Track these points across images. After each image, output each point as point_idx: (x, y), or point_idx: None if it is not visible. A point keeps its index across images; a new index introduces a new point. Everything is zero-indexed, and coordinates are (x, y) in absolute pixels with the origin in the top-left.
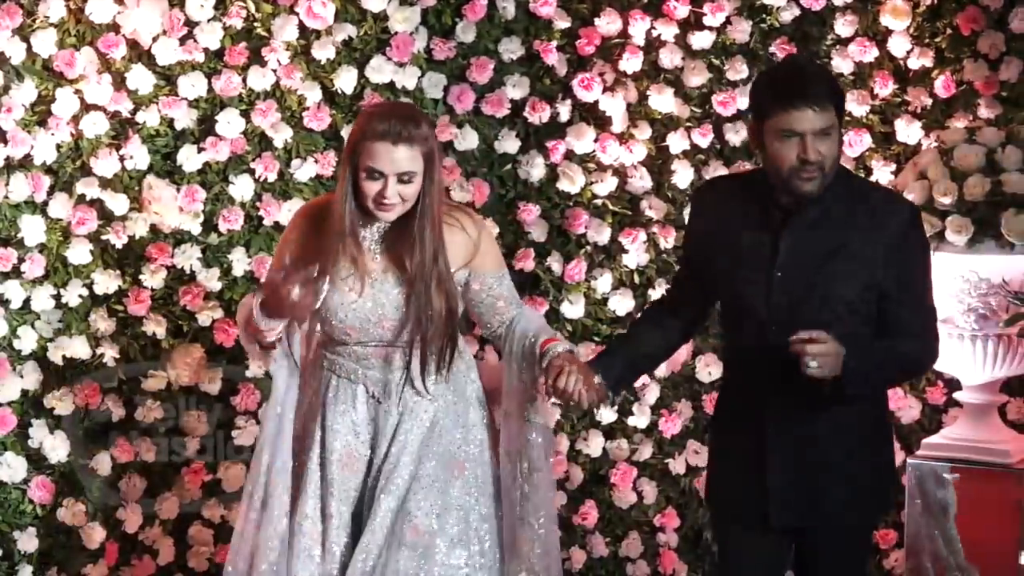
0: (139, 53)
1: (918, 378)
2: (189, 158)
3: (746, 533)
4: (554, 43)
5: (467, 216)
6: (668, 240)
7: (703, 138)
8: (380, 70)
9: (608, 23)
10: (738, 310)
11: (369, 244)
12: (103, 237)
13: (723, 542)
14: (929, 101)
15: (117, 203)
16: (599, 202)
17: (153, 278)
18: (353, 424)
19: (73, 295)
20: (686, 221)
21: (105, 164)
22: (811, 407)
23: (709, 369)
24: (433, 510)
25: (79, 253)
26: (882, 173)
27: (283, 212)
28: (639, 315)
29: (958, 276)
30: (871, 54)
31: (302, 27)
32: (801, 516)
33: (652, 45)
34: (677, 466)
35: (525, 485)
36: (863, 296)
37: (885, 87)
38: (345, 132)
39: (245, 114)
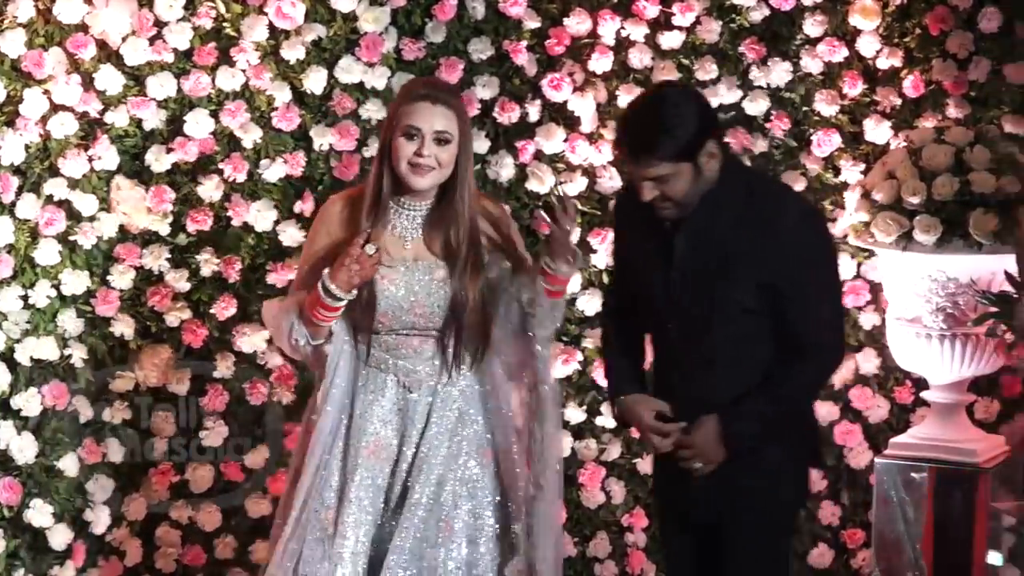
0: (108, 53)
1: (824, 388)
2: (158, 159)
3: (676, 530)
4: (524, 43)
5: (490, 201)
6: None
7: None
8: (350, 70)
9: (578, 23)
10: (646, 308)
11: (401, 230)
12: (71, 238)
13: (662, 540)
14: (898, 101)
15: (85, 204)
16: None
17: (121, 279)
18: (382, 413)
19: (41, 296)
20: None
21: (73, 165)
22: (722, 400)
23: None
24: (464, 503)
25: (47, 254)
26: (851, 173)
27: (251, 213)
28: (612, 334)
29: (926, 276)
30: (840, 54)
31: (271, 27)
32: (718, 511)
33: (622, 45)
34: (645, 466)
35: (532, 488)
36: (759, 297)
37: (854, 87)
38: (314, 132)
39: (214, 114)
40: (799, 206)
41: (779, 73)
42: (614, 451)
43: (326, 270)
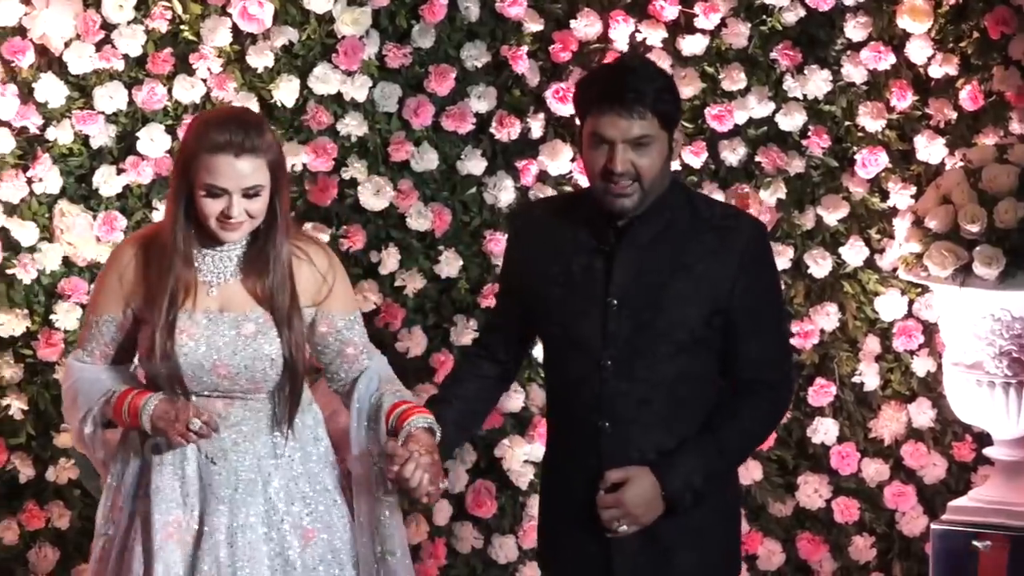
0: (49, 60)
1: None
2: (107, 181)
3: None
4: (524, 49)
5: (316, 246)
6: None
7: (695, 157)
8: (325, 80)
9: (586, 26)
10: (567, 346)
11: (207, 274)
12: (9, 271)
13: None
14: (953, 115)
15: (25, 232)
16: None
17: (66, 318)
18: (181, 490)
19: None
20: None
21: (10, 188)
22: (660, 450)
23: None
24: None
25: None
26: (900, 197)
27: None
28: (453, 368)
29: (988, 315)
30: (887, 61)
31: (236, 31)
32: None
33: (636, 50)
34: None
35: (380, 569)
36: (710, 323)
37: (903, 99)
38: (286, 150)
39: (171, 130)
40: (755, 221)
41: (817, 83)
42: None
43: (150, 405)
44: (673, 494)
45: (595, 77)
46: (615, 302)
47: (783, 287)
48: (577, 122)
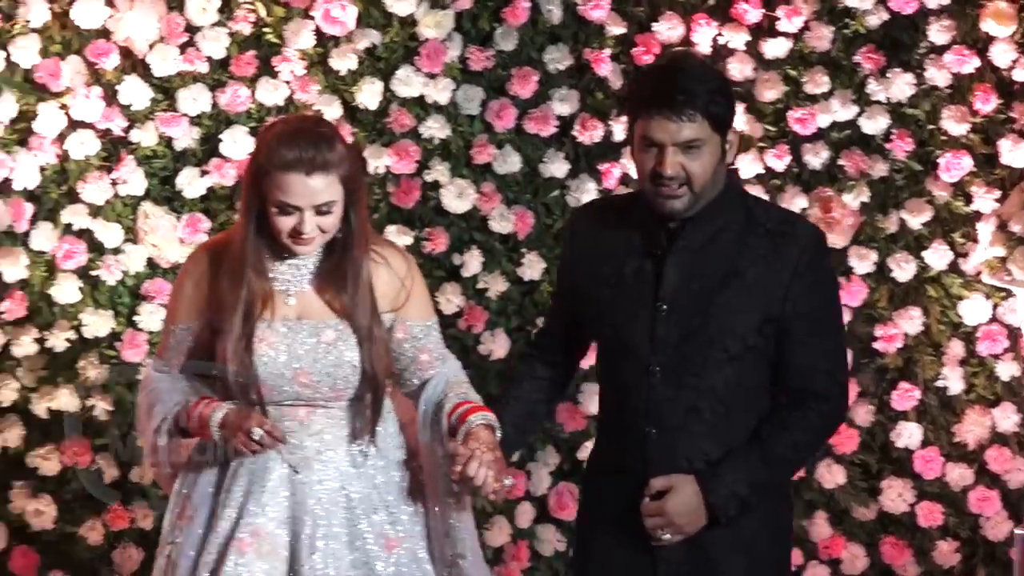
0: (133, 63)
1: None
2: (191, 183)
3: None
4: (607, 51)
5: (394, 250)
6: None
7: (778, 160)
8: (408, 82)
9: (668, 29)
10: (618, 349)
11: (284, 283)
12: (93, 273)
13: None
14: None
15: (109, 234)
16: None
17: (150, 319)
18: (263, 500)
19: (60, 339)
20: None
21: (95, 189)
22: (708, 460)
23: None
24: None
25: (66, 291)
26: (984, 201)
27: None
28: (511, 370)
29: None
30: (971, 64)
31: (319, 33)
32: None
33: (719, 54)
34: None
35: (453, 573)
36: (762, 331)
37: (987, 102)
38: (369, 153)
39: (254, 132)
40: (814, 228)
41: (900, 86)
42: None
43: (218, 414)
44: (717, 504)
45: (646, 78)
46: (664, 307)
47: (867, 291)
48: (627, 123)
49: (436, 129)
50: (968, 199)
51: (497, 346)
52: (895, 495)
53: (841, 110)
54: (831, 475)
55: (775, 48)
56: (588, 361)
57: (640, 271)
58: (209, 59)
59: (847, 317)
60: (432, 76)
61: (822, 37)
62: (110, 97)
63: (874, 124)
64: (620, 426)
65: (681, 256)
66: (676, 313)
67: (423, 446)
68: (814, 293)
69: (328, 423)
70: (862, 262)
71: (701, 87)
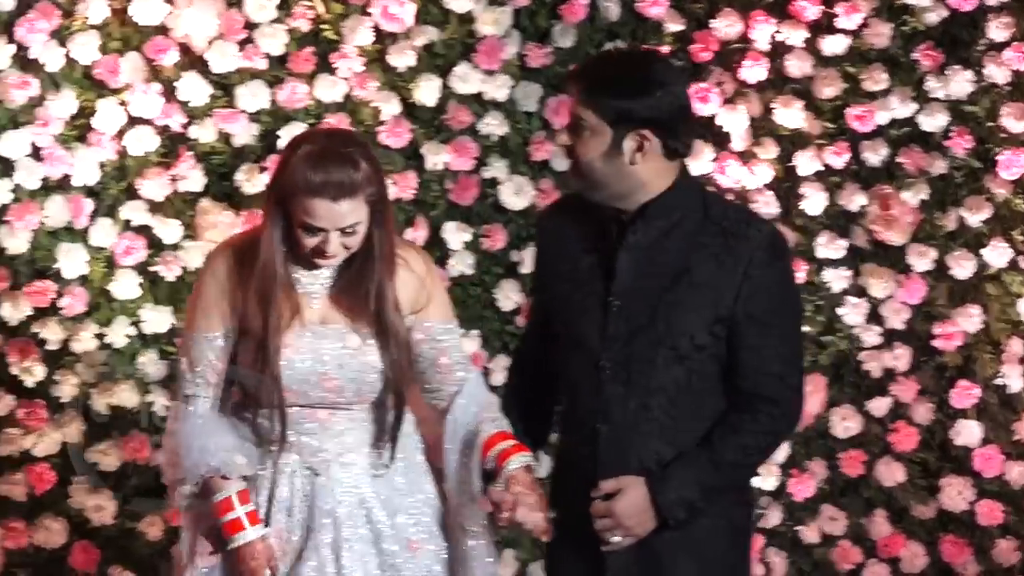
0: (192, 59)
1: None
2: (249, 179)
3: None
4: (665, 48)
5: (415, 253)
6: (798, 273)
7: (837, 158)
8: (466, 79)
9: (727, 26)
10: (570, 344)
11: (307, 287)
12: (152, 269)
13: None
14: None
15: (168, 230)
16: None
17: None
18: (283, 501)
19: (119, 335)
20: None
21: (154, 185)
22: (657, 459)
23: (846, 423)
24: None
25: (126, 287)
26: None
27: None
28: (503, 402)
29: None
30: None
31: (377, 30)
32: None
33: (777, 51)
34: (810, 535)
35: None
36: (712, 331)
37: None
38: (427, 149)
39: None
40: (770, 227)
41: (960, 83)
42: (774, 518)
43: (240, 541)
44: (665, 506)
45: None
46: (616, 303)
47: (925, 289)
48: None
49: (494, 126)
50: None
51: None
52: (955, 493)
53: (900, 107)
54: (890, 473)
55: (834, 45)
56: None
57: (594, 267)
58: (267, 56)
59: (906, 314)
60: (490, 73)
61: (881, 34)
62: (169, 93)
63: (933, 121)
64: (573, 422)
65: (632, 252)
66: (626, 310)
67: (449, 465)
68: (765, 294)
69: (350, 425)
70: (921, 260)
71: (610, 75)
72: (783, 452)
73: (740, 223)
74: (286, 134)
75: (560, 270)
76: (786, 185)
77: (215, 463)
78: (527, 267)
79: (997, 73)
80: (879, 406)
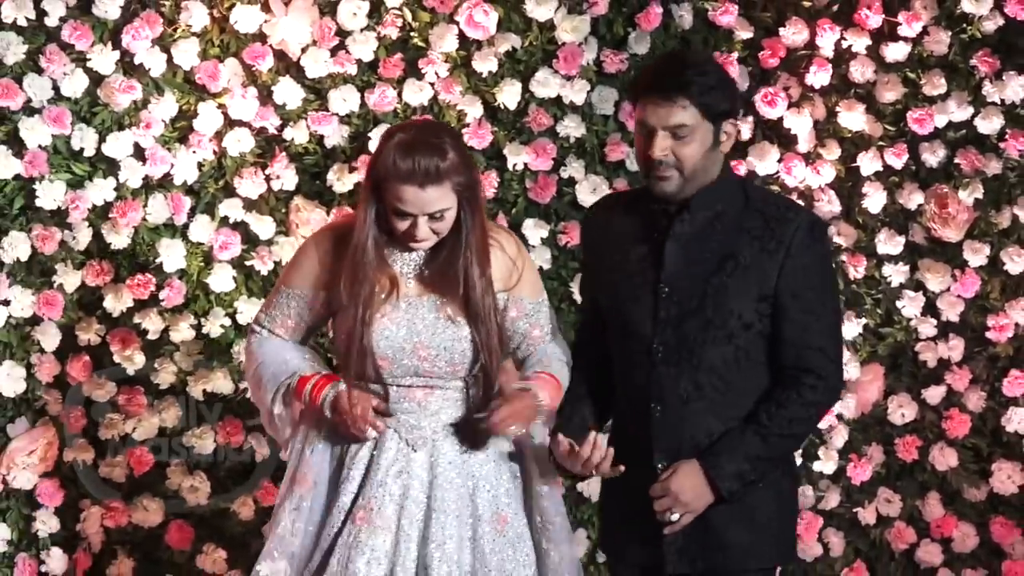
0: (287, 65)
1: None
2: (340, 178)
3: None
4: (735, 55)
5: (507, 235)
6: (859, 269)
7: (897, 159)
8: (546, 84)
9: (794, 33)
10: (623, 331)
11: (402, 265)
12: (247, 263)
13: None
14: None
15: (262, 226)
16: None
17: None
18: (380, 475)
19: (215, 325)
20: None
21: (250, 184)
22: (709, 437)
23: (903, 410)
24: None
25: (222, 280)
26: None
27: None
28: (567, 390)
29: None
30: None
31: (462, 37)
32: (695, 561)
33: (842, 57)
34: (867, 516)
35: (543, 541)
36: (757, 309)
37: None
38: (508, 150)
39: None
40: (808, 213)
41: (1015, 88)
42: (832, 499)
43: (330, 394)
44: (719, 480)
45: (648, 67)
46: (666, 289)
47: (979, 283)
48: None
49: (572, 128)
50: None
51: None
52: (1005, 477)
53: (957, 111)
54: (944, 458)
55: (895, 52)
56: None
57: (644, 256)
58: (358, 61)
59: (961, 307)
60: (569, 78)
61: (940, 41)
62: (265, 97)
63: (989, 124)
64: (628, 404)
65: (679, 241)
66: (676, 295)
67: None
68: (806, 273)
69: (445, 404)
70: (975, 256)
71: (695, 77)
72: (842, 438)
73: (780, 208)
74: (375, 136)
75: (611, 262)
76: (848, 184)
77: (292, 366)
78: None
79: None
80: (934, 394)
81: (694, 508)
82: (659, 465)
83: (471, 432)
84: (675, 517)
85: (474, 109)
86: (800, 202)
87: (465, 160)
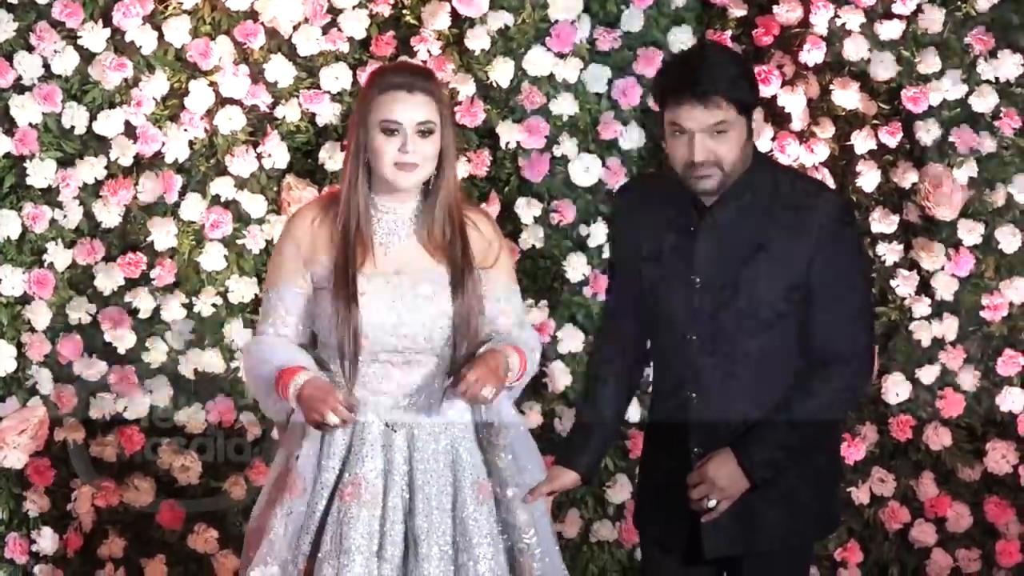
0: (279, 43)
1: (852, 407)
2: (332, 156)
3: (676, 564)
4: (729, 33)
5: (481, 215)
6: None
7: (891, 137)
8: (539, 62)
9: (788, 11)
10: (660, 320)
11: (382, 236)
12: (239, 241)
13: (651, 574)
14: None
15: (254, 205)
16: None
17: None
18: (363, 453)
19: (206, 304)
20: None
21: (241, 163)
22: (744, 422)
23: (897, 390)
24: (489, 553)
25: (213, 259)
26: None
27: None
28: (591, 372)
29: None
30: None
31: (455, 15)
32: (735, 543)
33: (836, 35)
34: (860, 495)
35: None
36: (789, 297)
37: None
38: (501, 129)
39: None
40: (837, 197)
41: (1009, 66)
42: None
43: (298, 381)
44: (752, 468)
45: (672, 67)
46: (699, 280)
47: (974, 262)
48: (656, 109)
49: (565, 106)
50: None
51: None
52: (999, 456)
53: (952, 89)
54: (938, 437)
55: (890, 30)
56: None
57: (676, 246)
58: (350, 39)
59: (954, 287)
60: (561, 56)
61: (934, 19)
62: (256, 75)
63: (983, 102)
64: (665, 392)
65: (712, 232)
66: (709, 286)
67: None
68: (836, 260)
69: (423, 382)
70: (970, 234)
71: (724, 74)
72: None
73: (809, 195)
74: None
75: (644, 252)
76: (842, 163)
77: (273, 366)
78: (595, 241)
79: None
80: (928, 374)
81: (730, 495)
82: (695, 450)
83: (447, 402)
84: (712, 504)
85: (466, 87)
86: (822, 183)
87: (448, 100)
